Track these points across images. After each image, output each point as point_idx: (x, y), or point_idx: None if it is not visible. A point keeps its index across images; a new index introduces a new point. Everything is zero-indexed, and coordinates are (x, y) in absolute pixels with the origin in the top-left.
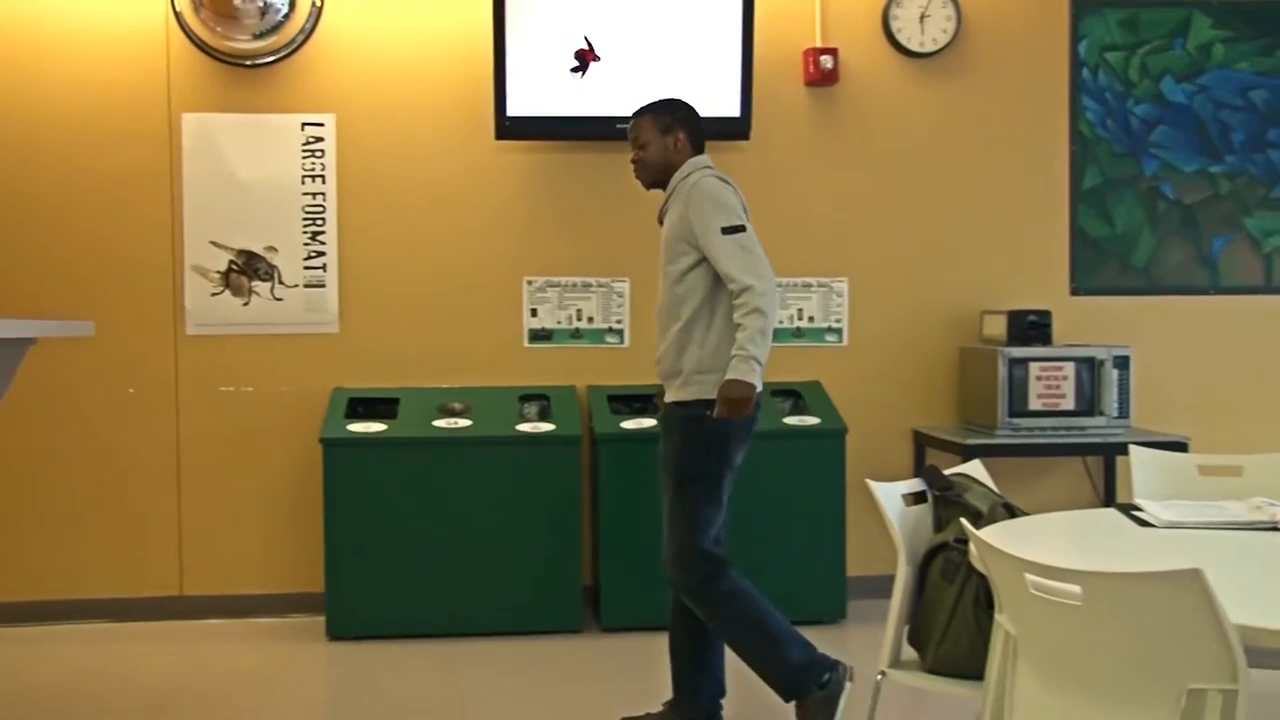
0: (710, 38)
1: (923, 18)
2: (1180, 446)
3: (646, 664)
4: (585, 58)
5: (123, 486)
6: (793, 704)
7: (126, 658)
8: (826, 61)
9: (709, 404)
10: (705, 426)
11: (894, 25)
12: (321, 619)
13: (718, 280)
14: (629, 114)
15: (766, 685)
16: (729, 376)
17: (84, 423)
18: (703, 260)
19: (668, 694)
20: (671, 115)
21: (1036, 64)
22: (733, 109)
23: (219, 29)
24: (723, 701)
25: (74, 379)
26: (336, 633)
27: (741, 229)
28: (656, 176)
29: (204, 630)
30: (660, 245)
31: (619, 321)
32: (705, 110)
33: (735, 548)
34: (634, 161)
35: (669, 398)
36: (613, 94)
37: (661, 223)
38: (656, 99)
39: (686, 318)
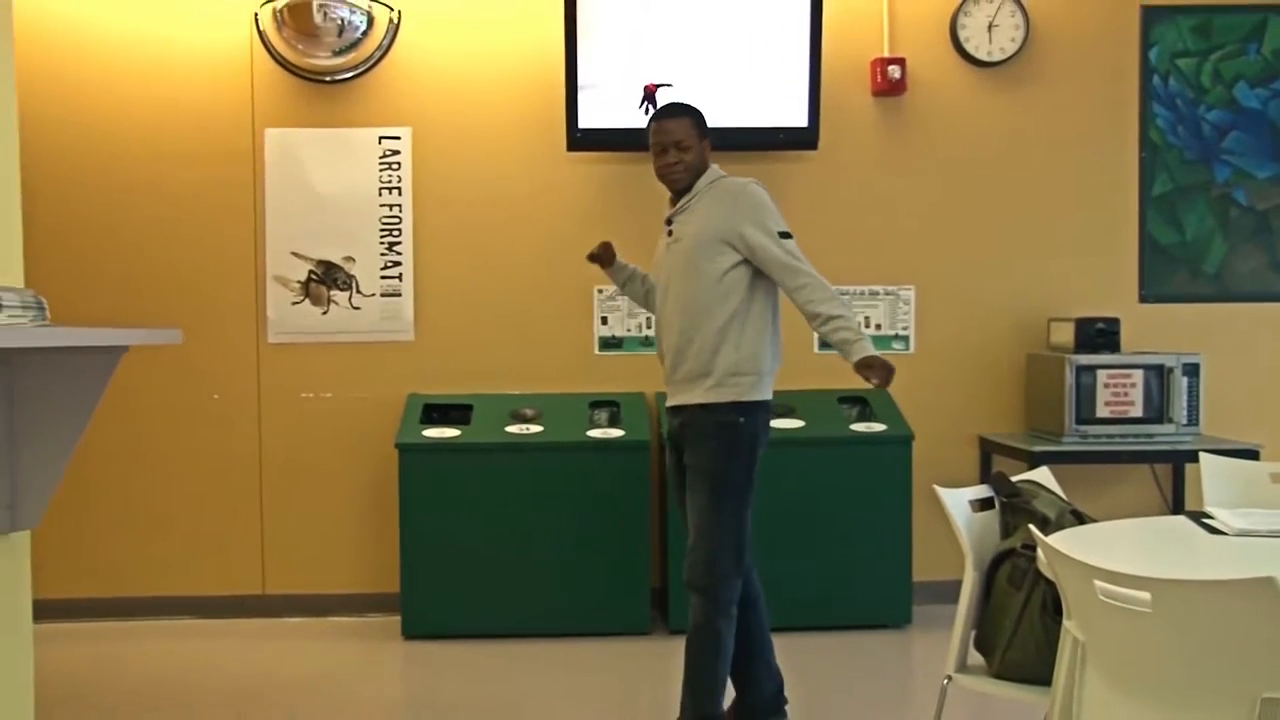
0: (778, 49)
1: (991, 26)
2: (1252, 454)
3: None
4: (650, 92)
5: (208, 489)
6: None
7: (212, 653)
8: (894, 71)
9: (743, 408)
10: (741, 432)
11: (962, 34)
12: (397, 618)
13: (754, 282)
14: None
15: (680, 704)
16: (861, 357)
17: (172, 427)
18: (743, 261)
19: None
20: (703, 119)
21: (1106, 71)
22: (800, 119)
23: (300, 47)
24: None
25: (163, 385)
26: (411, 632)
27: (791, 236)
28: (691, 180)
29: (284, 628)
30: (673, 249)
31: None
32: (773, 120)
33: (803, 553)
34: (674, 163)
35: (693, 400)
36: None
37: (670, 224)
38: (680, 102)
39: (723, 319)
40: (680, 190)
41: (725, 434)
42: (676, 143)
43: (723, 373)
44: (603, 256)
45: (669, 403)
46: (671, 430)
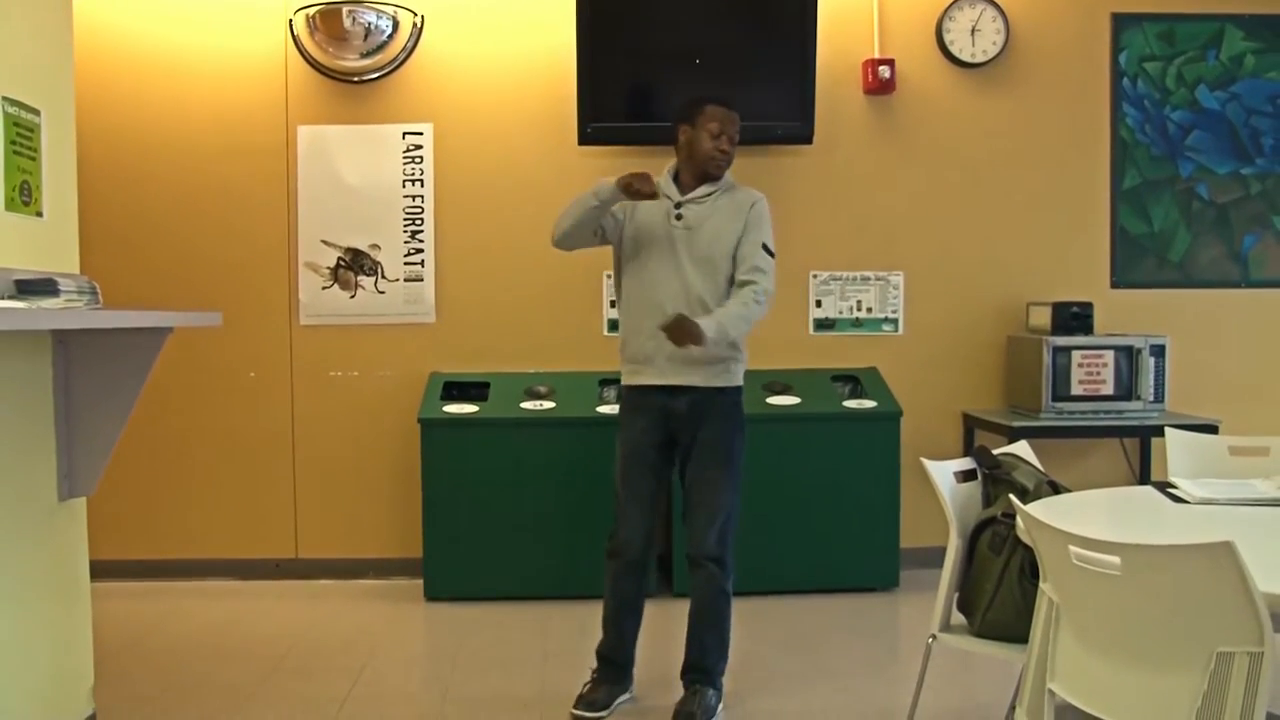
0: (776, 50)
1: (974, 30)
2: (1212, 429)
3: None
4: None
5: (245, 460)
6: (710, 693)
7: (250, 610)
8: (884, 71)
9: (741, 390)
10: (741, 411)
11: (947, 38)
12: (419, 581)
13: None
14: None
15: (704, 664)
16: (702, 321)
17: (212, 403)
18: None
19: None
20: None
21: (1080, 74)
22: (796, 116)
23: (331, 50)
24: None
25: (204, 364)
26: (433, 594)
27: (774, 255)
28: (720, 175)
29: (316, 589)
30: (682, 235)
31: None
32: (771, 117)
33: (799, 521)
34: (728, 152)
35: (709, 383)
36: None
37: (679, 208)
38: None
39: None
40: (707, 178)
41: (737, 414)
42: (733, 136)
43: (730, 359)
44: (645, 190)
45: (668, 381)
46: (670, 410)
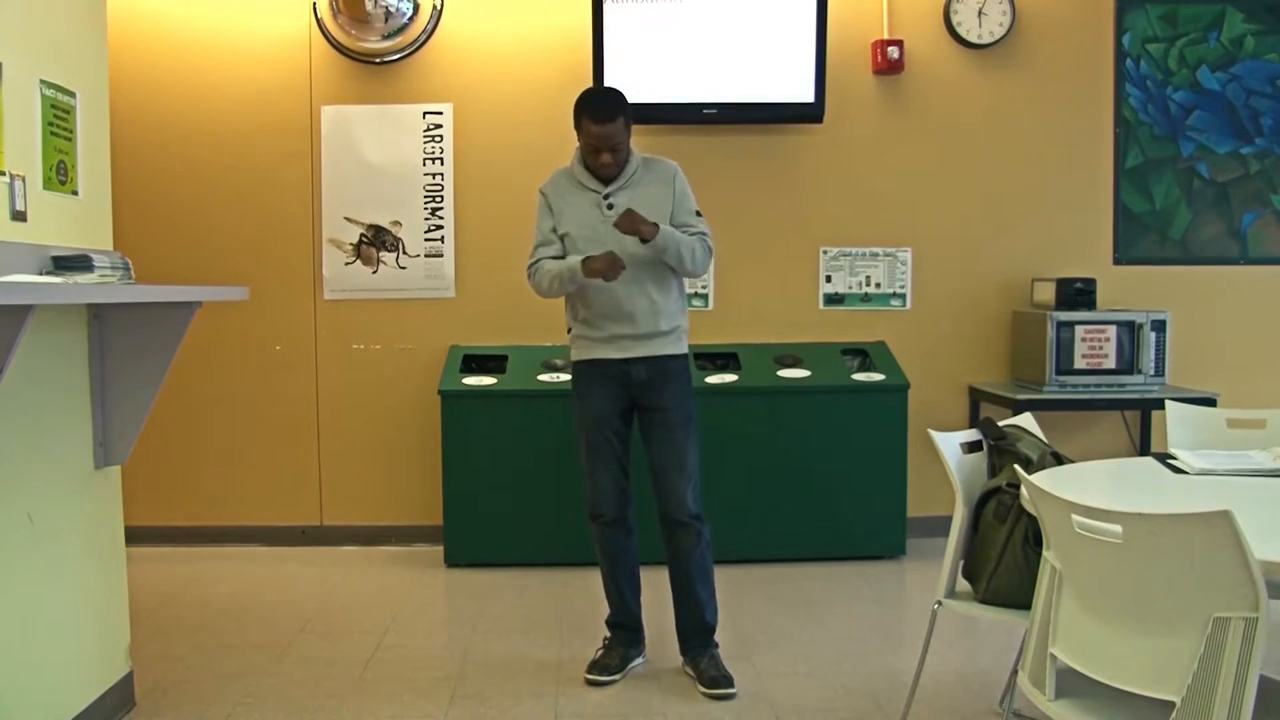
0: (787, 30)
1: (981, 12)
2: (1210, 402)
3: (723, 592)
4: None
5: (272, 430)
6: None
7: (276, 576)
8: (893, 52)
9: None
10: (691, 377)
11: (954, 19)
12: (440, 548)
13: None
14: (713, 100)
15: (706, 621)
16: (663, 227)
17: (240, 375)
18: None
19: (742, 619)
20: (630, 110)
21: (1084, 55)
22: (807, 95)
23: (353, 31)
24: None
25: (232, 337)
26: (453, 560)
27: (701, 215)
28: (620, 171)
29: (340, 555)
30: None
31: (704, 286)
32: (782, 96)
33: (809, 491)
34: (609, 164)
35: (665, 351)
36: (698, 82)
37: (609, 201)
38: (608, 93)
39: (677, 285)
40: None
41: (689, 378)
42: (614, 145)
43: (681, 329)
44: (614, 276)
45: (633, 354)
46: (634, 379)
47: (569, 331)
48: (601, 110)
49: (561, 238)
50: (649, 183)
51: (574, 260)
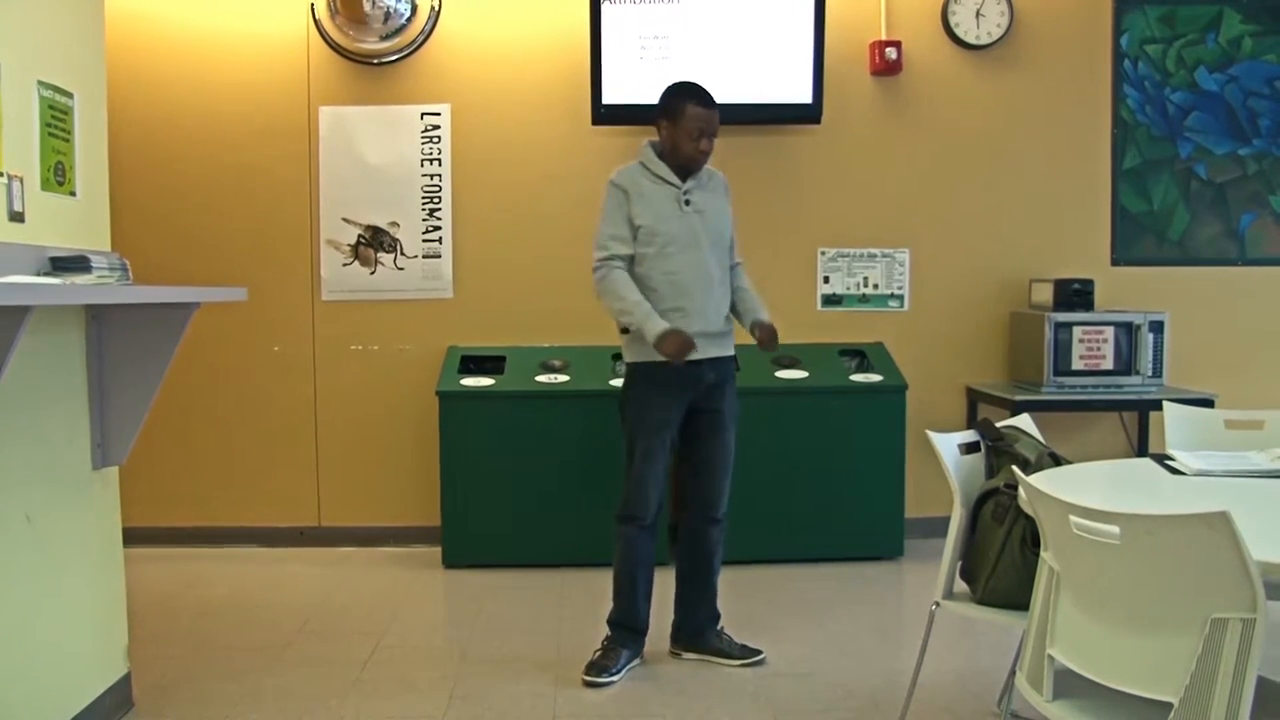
0: (785, 31)
1: (978, 13)
2: (1208, 403)
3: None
4: None
5: (270, 431)
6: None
7: (275, 577)
8: (891, 53)
9: None
10: None
11: (952, 20)
12: (438, 549)
13: None
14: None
15: (717, 610)
16: (767, 318)
17: (238, 376)
18: None
19: (744, 619)
20: None
21: (1082, 56)
22: (805, 96)
23: (351, 32)
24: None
25: (230, 338)
26: (451, 561)
27: None
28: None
29: (338, 556)
30: (695, 219)
31: None
32: (781, 97)
33: (807, 492)
34: (707, 151)
35: (729, 352)
36: (697, 82)
37: (687, 197)
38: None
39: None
40: (689, 172)
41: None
42: (714, 134)
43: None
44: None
45: (707, 355)
46: (703, 382)
47: (625, 331)
48: (706, 95)
49: (637, 229)
50: (713, 189)
51: (650, 324)
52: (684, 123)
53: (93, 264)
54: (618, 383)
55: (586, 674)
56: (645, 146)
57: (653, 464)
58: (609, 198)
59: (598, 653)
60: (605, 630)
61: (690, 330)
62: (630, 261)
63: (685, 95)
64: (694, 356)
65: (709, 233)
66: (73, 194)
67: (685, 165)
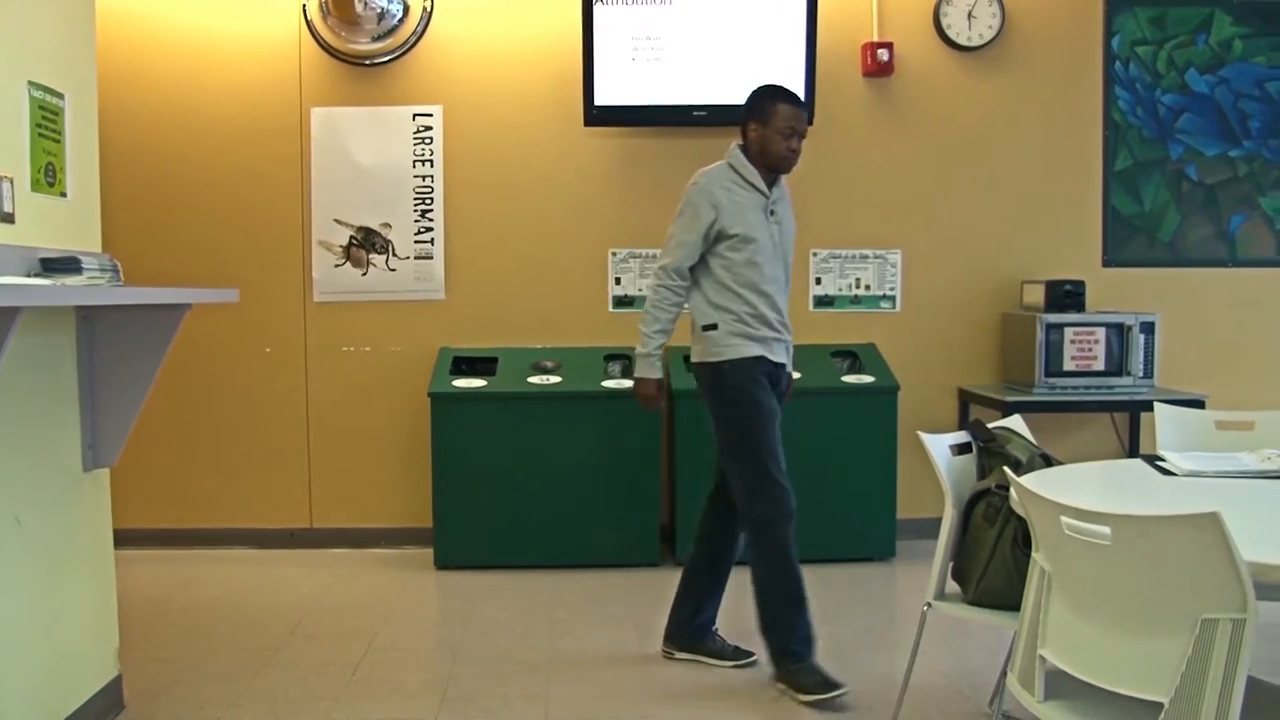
0: (777, 32)
1: (970, 15)
2: (1199, 404)
3: None
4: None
5: (262, 433)
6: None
7: (266, 579)
8: (883, 54)
9: None
10: None
11: (944, 21)
12: (430, 550)
13: None
14: (703, 102)
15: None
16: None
17: (229, 378)
18: None
19: (735, 620)
20: None
21: (1073, 57)
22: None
23: (343, 33)
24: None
25: (222, 339)
26: (443, 562)
27: None
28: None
29: (330, 557)
30: (786, 237)
31: None
32: None
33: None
34: (798, 151)
35: (786, 362)
36: (689, 84)
37: (771, 208)
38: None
39: None
40: (776, 174)
41: None
42: (803, 133)
43: None
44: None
45: (780, 359)
46: (777, 383)
47: (706, 328)
48: (795, 95)
49: (730, 237)
50: (787, 202)
51: (647, 363)
52: (775, 122)
53: (83, 265)
54: (609, 384)
55: (822, 692)
56: (735, 149)
57: (774, 455)
58: (697, 204)
59: (809, 673)
60: (606, 631)
61: (768, 335)
62: (687, 274)
63: (776, 95)
64: (773, 358)
65: (784, 244)
66: (63, 195)
67: (775, 166)
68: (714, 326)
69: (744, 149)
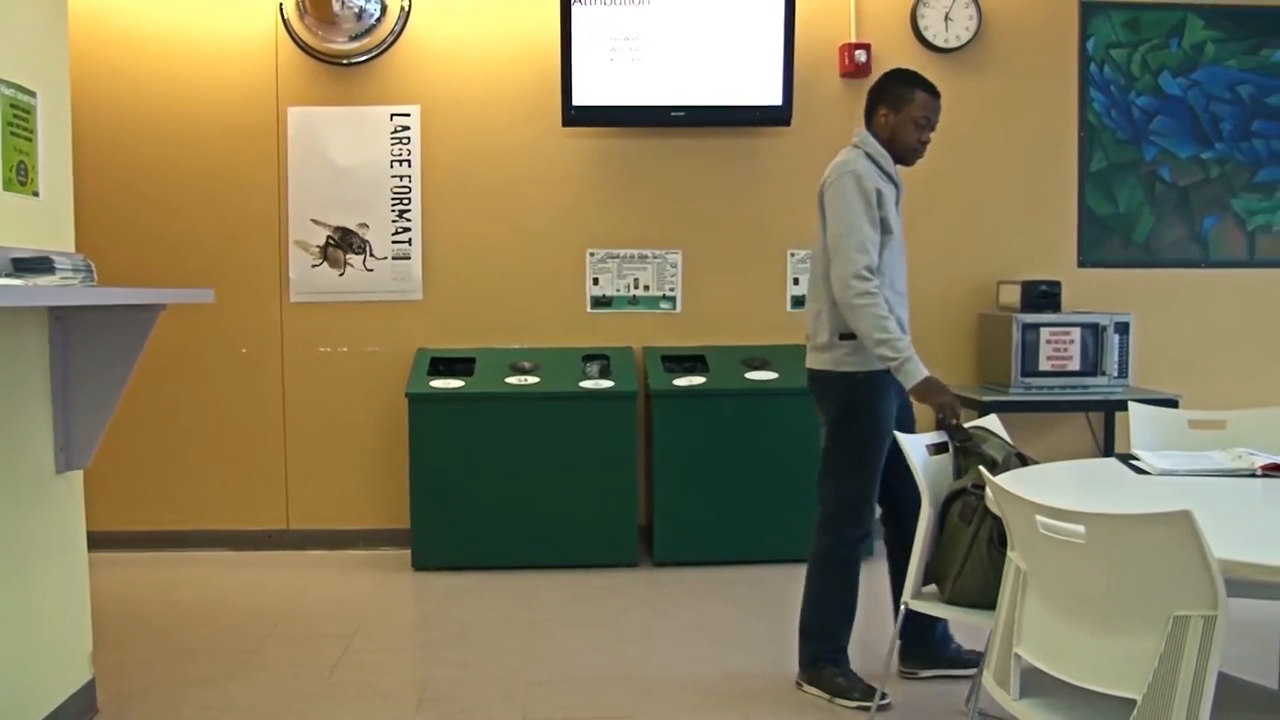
0: (755, 33)
1: (947, 17)
2: (1172, 403)
3: (693, 593)
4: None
5: (238, 434)
6: None
7: (243, 581)
8: (860, 55)
9: None
10: None
11: (921, 23)
12: (407, 552)
13: None
14: (681, 103)
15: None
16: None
17: (205, 379)
18: None
19: (713, 621)
20: None
21: (1049, 60)
22: (775, 98)
23: (320, 33)
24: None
25: (197, 340)
26: (421, 564)
27: None
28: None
29: (307, 559)
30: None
31: (671, 289)
32: (751, 99)
33: (779, 492)
34: (928, 143)
35: None
36: (666, 84)
37: (898, 204)
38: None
39: None
40: (901, 164)
41: None
42: (935, 126)
43: None
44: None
45: None
46: (902, 390)
47: (845, 337)
48: (933, 85)
49: (885, 232)
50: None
51: (914, 365)
52: (910, 111)
53: (56, 265)
54: (587, 384)
55: (865, 700)
56: (866, 136)
57: (876, 475)
58: (862, 192)
59: (852, 684)
60: (584, 632)
61: (901, 335)
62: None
63: (914, 81)
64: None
65: (902, 240)
66: (35, 194)
67: (901, 158)
68: (853, 336)
69: (875, 136)
